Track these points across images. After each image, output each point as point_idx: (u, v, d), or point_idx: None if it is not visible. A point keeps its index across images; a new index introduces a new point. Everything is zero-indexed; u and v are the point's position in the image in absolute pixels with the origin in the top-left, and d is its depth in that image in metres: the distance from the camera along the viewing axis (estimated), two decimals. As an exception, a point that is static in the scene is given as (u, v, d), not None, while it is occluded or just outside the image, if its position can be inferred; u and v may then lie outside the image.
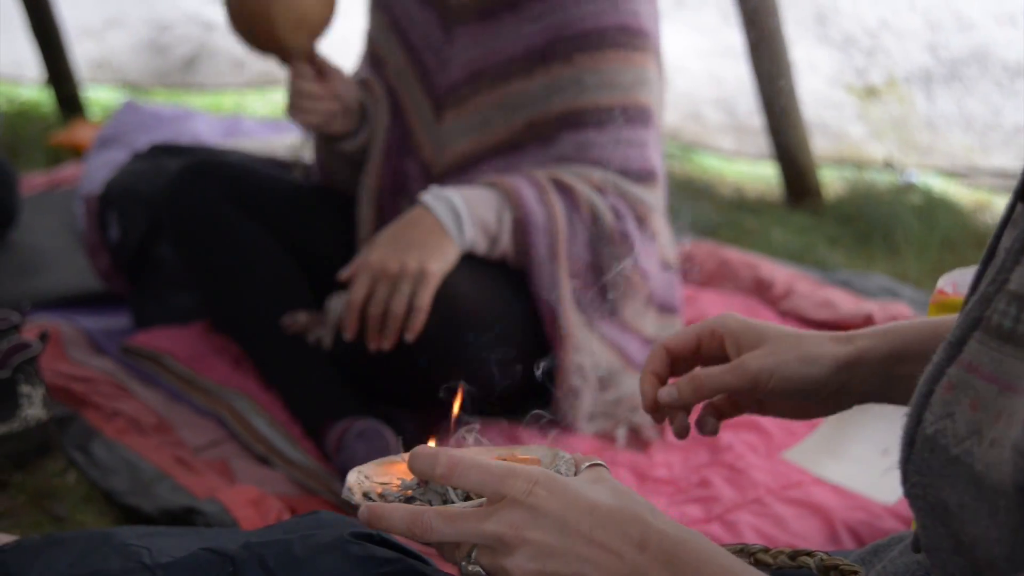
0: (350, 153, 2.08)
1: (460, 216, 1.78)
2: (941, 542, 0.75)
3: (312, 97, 1.94)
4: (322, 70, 1.96)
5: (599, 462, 0.83)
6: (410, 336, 1.76)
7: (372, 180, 2.06)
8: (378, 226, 2.02)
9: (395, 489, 0.88)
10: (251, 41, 1.95)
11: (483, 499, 0.80)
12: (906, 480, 0.78)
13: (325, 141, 2.10)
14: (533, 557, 0.77)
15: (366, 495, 0.88)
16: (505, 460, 0.86)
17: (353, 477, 0.89)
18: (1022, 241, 0.72)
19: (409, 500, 0.87)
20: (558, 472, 0.83)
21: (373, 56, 2.16)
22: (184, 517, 1.71)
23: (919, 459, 0.75)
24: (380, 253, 1.74)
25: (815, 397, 1.01)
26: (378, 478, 0.90)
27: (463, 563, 0.80)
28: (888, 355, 0.99)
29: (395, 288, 1.74)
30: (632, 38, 1.88)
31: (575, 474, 0.83)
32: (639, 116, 1.91)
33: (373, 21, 2.16)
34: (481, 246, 1.83)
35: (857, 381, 0.99)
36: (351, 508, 0.86)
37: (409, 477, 0.88)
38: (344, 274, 1.82)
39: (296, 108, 1.95)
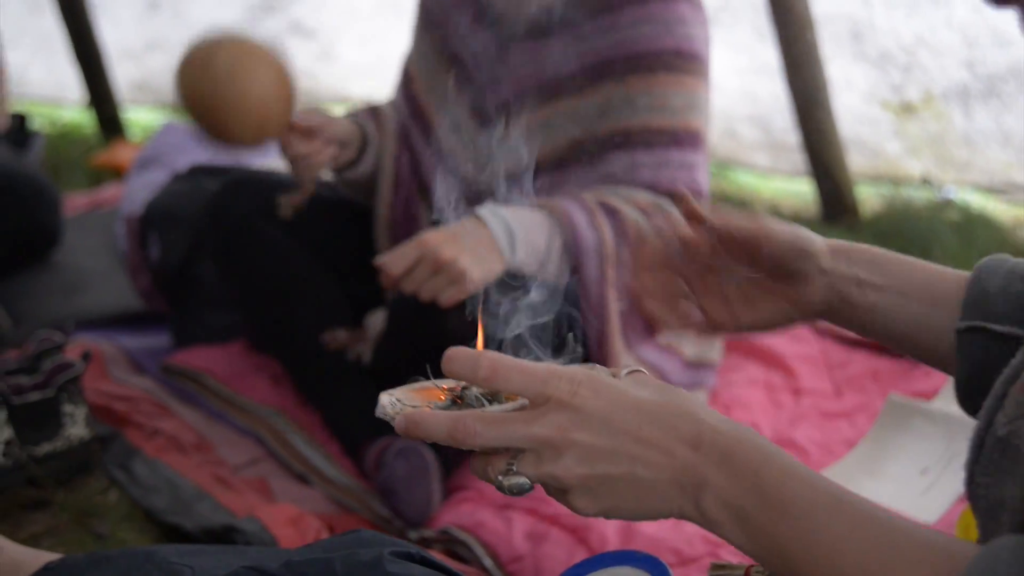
0: (357, 180, 2.10)
1: (514, 237, 1.78)
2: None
3: (307, 157, 1.95)
4: (307, 131, 1.95)
5: (639, 368, 0.81)
6: None
7: (384, 208, 2.07)
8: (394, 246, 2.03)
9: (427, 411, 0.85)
10: (218, 140, 1.96)
11: (523, 402, 0.77)
12: (971, 481, 0.76)
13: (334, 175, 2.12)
14: (582, 459, 0.74)
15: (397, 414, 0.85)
16: None
17: (386, 398, 0.86)
18: None
19: None
20: None
21: (406, 74, 2.17)
22: (224, 535, 1.72)
23: (987, 460, 0.74)
24: (439, 239, 1.74)
25: (803, 275, 1.01)
26: (410, 401, 0.87)
27: (500, 477, 0.77)
28: (870, 260, 1.01)
29: (434, 275, 1.73)
30: (685, 62, 1.88)
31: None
32: (689, 139, 1.91)
33: (416, 42, 2.17)
34: (529, 268, 1.83)
35: (836, 273, 1.00)
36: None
37: (442, 399, 0.86)
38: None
39: (297, 173, 1.97)
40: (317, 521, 1.76)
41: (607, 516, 0.77)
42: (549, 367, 0.77)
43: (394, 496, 1.80)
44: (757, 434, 0.76)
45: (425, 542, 1.75)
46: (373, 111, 2.13)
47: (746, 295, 1.05)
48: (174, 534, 1.78)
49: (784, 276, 1.03)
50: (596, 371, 0.81)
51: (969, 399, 0.99)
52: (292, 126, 1.93)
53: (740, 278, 1.06)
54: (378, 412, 0.86)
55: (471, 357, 0.77)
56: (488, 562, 1.69)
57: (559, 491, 0.77)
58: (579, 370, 0.76)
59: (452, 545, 1.74)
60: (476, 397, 0.83)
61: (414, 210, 2.10)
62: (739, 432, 0.75)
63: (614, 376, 0.80)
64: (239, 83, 1.87)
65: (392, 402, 0.86)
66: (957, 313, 0.97)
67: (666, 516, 0.76)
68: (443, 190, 2.08)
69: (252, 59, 1.90)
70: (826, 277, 1.01)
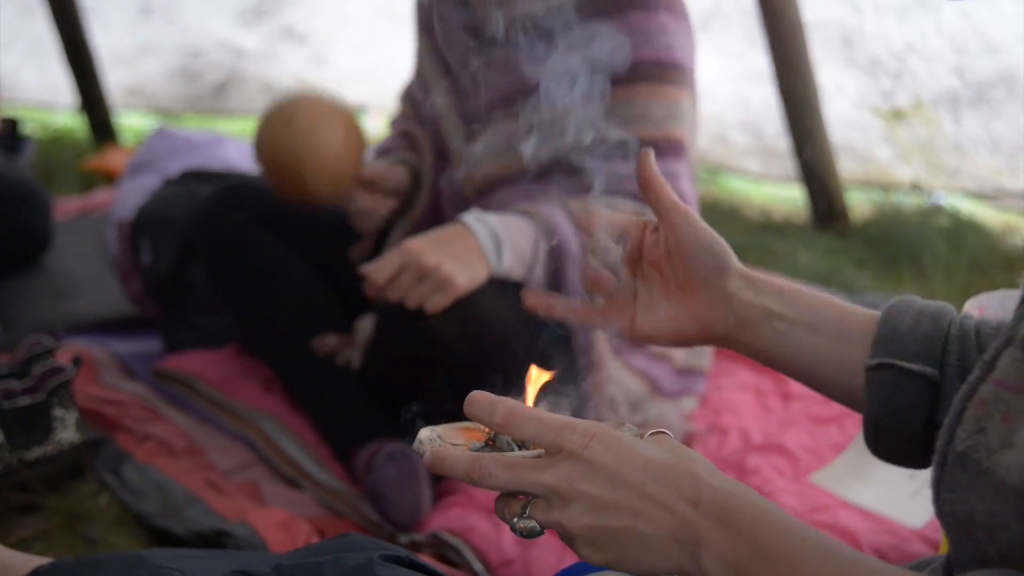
0: (413, 217, 2.13)
1: (500, 244, 1.78)
2: (968, 554, 0.76)
3: (372, 211, 2.05)
4: (371, 183, 2.04)
5: (665, 432, 0.83)
6: None
7: (416, 214, 2.09)
8: None
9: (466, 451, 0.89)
10: (299, 201, 2.05)
11: (541, 452, 0.81)
12: (937, 498, 0.78)
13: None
14: (587, 511, 0.78)
15: None
16: None
17: (426, 433, 0.90)
18: None
19: None
20: None
21: (421, 79, 2.18)
22: (214, 540, 1.72)
23: (951, 477, 0.76)
24: (421, 245, 1.75)
25: (710, 288, 1.02)
26: (449, 438, 0.90)
27: (515, 520, 0.81)
28: (782, 291, 1.01)
29: (419, 282, 1.74)
30: (665, 71, 1.88)
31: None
32: (671, 149, 1.91)
33: (420, 43, 2.18)
34: (516, 274, 1.83)
35: (743, 297, 1.01)
36: (418, 456, 0.86)
37: (479, 440, 0.89)
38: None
39: (363, 226, 2.07)
40: (307, 525, 1.76)
41: (612, 568, 0.80)
42: (565, 419, 0.80)
43: (383, 500, 1.80)
44: (753, 492, 0.79)
45: (415, 546, 1.75)
46: (409, 139, 2.16)
47: (649, 301, 1.06)
48: (165, 538, 1.78)
49: (690, 286, 1.03)
50: (623, 428, 0.85)
51: (879, 440, 1.00)
52: (359, 180, 2.03)
53: (649, 282, 1.07)
54: (415, 445, 0.89)
55: (489, 403, 0.82)
56: (478, 566, 1.69)
57: (566, 538, 0.80)
58: (593, 424, 0.80)
59: (442, 549, 1.74)
60: (508, 442, 0.87)
61: (437, 202, 2.13)
62: (736, 490, 0.78)
63: (640, 436, 0.83)
64: (319, 138, 1.97)
65: (432, 438, 0.90)
66: (866, 350, 0.98)
67: (666, 571, 0.79)
68: (448, 197, 2.10)
69: (330, 118, 2.00)
70: (731, 300, 1.02)
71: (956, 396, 0.79)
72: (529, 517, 0.81)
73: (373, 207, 2.05)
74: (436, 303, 1.73)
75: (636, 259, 1.08)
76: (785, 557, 0.74)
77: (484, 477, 0.80)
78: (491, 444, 0.88)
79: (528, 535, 0.81)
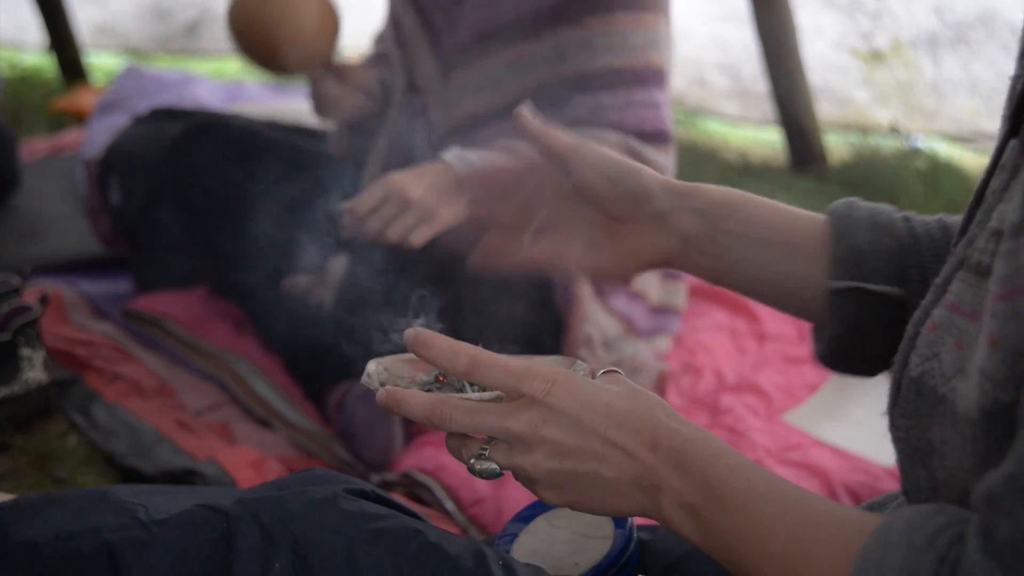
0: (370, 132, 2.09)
1: None
2: (919, 484, 0.75)
3: (335, 100, 2.01)
4: (340, 74, 2.02)
5: (615, 369, 0.84)
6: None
7: (384, 144, 2.05)
8: None
9: (412, 385, 0.89)
10: (266, 67, 2.03)
11: (499, 394, 0.81)
12: (892, 424, 0.78)
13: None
14: (549, 455, 0.78)
15: (383, 384, 0.88)
16: None
17: (373, 366, 0.89)
18: (1007, 181, 0.72)
19: None
20: None
21: (394, 20, 2.14)
22: (183, 478, 1.71)
23: (905, 402, 0.75)
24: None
25: (637, 218, 0.99)
26: (398, 372, 0.90)
27: (472, 461, 0.81)
28: (723, 202, 0.99)
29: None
30: None
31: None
32: (652, 77, 1.89)
33: None
34: None
35: (679, 216, 0.98)
36: (370, 392, 0.86)
37: (427, 372, 0.89)
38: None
39: (322, 112, 2.04)
40: (278, 464, 1.75)
41: (572, 508, 0.81)
42: (527, 364, 0.80)
43: (355, 440, 1.79)
44: (712, 436, 0.79)
45: (387, 485, 1.75)
46: (381, 57, 2.12)
47: (591, 239, 1.04)
48: (134, 478, 1.77)
49: (616, 219, 1.01)
50: (576, 368, 0.86)
51: (841, 358, 0.99)
52: (327, 65, 1.99)
53: (587, 221, 1.03)
54: (363, 379, 0.88)
55: (451, 349, 0.81)
56: (450, 505, 1.69)
57: (527, 481, 0.80)
58: (555, 369, 0.79)
59: (414, 488, 1.74)
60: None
61: (409, 141, 2.09)
62: (694, 433, 0.78)
63: (592, 373, 0.84)
64: (295, 7, 1.95)
65: (379, 371, 0.89)
66: (820, 263, 0.97)
67: (629, 514, 0.80)
68: (419, 135, 2.07)
69: None
70: (666, 220, 0.99)
71: (910, 321, 0.78)
72: (489, 459, 0.80)
73: (338, 96, 2.01)
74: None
75: (548, 197, 1.05)
76: (734, 497, 0.75)
77: (445, 422, 0.80)
78: (441, 379, 0.88)
79: (488, 476, 0.81)
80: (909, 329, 0.78)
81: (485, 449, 0.81)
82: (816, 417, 1.90)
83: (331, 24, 2.01)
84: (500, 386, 0.80)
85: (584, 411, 0.78)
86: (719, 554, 0.76)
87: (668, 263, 1.02)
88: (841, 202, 1.00)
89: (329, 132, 2.16)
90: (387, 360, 0.91)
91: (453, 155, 1.79)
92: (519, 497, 1.66)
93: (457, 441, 0.83)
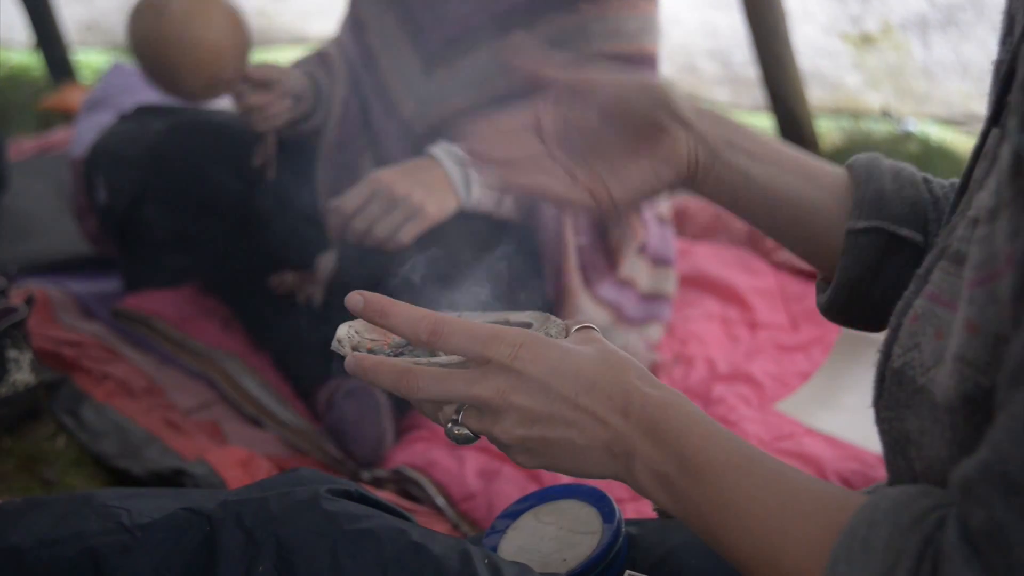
0: (310, 133, 2.04)
1: (469, 176, 1.75)
2: (902, 475, 0.75)
3: (261, 109, 1.90)
4: (261, 82, 1.90)
5: (590, 325, 0.83)
6: None
7: (327, 149, 2.02)
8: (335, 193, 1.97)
9: (385, 347, 0.88)
10: (174, 94, 1.94)
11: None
12: (877, 416, 0.77)
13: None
14: (520, 422, 0.77)
15: (355, 349, 0.86)
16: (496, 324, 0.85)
17: (344, 331, 0.87)
18: (988, 169, 0.71)
19: (398, 356, 0.85)
20: (548, 335, 0.82)
21: (355, 20, 2.11)
22: (173, 479, 1.70)
23: (888, 394, 0.75)
24: (391, 175, 1.71)
25: (663, 127, 0.97)
26: (369, 334, 0.89)
27: (449, 424, 0.80)
28: (739, 127, 0.99)
29: (388, 211, 1.70)
30: None
31: (565, 337, 0.82)
32: (645, 63, 1.88)
33: None
34: (486, 206, 1.80)
35: (703, 123, 0.97)
36: (339, 359, 0.85)
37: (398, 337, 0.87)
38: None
39: (252, 123, 1.92)
40: (267, 463, 1.74)
41: (547, 470, 0.80)
42: (492, 329, 0.78)
43: (345, 437, 1.78)
44: (686, 400, 0.78)
45: (377, 482, 1.74)
46: (322, 58, 2.07)
47: (615, 166, 1.00)
48: (123, 479, 1.76)
49: (644, 133, 0.98)
50: (549, 325, 0.84)
51: (850, 303, 0.98)
52: (246, 77, 1.89)
53: (604, 147, 1.01)
54: (333, 345, 0.86)
55: (412, 318, 0.79)
56: (440, 501, 1.68)
57: (500, 446, 0.80)
58: (521, 332, 0.78)
59: (405, 485, 1.73)
60: None
61: (358, 156, 2.06)
62: (668, 398, 0.77)
63: (567, 330, 0.82)
64: (193, 31, 1.84)
65: (350, 335, 0.87)
66: (838, 200, 0.96)
67: (601, 478, 0.79)
68: (391, 134, 2.05)
69: (207, 6, 1.87)
70: (691, 131, 0.97)
71: (893, 312, 0.77)
72: (463, 424, 0.79)
73: (264, 104, 1.90)
74: (407, 232, 1.70)
75: (561, 140, 1.02)
76: (710, 468, 0.74)
77: (413, 390, 0.78)
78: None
79: (463, 441, 0.80)
80: (892, 320, 0.77)
81: (459, 414, 0.80)
82: (809, 406, 1.89)
83: (238, 42, 1.90)
84: (466, 352, 0.78)
85: (552, 376, 0.76)
86: (694, 524, 0.75)
87: (696, 175, 0.99)
88: (863, 155, 0.99)
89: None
90: (358, 323, 0.89)
91: (439, 149, 1.77)
92: (510, 492, 1.66)
93: (432, 405, 0.82)
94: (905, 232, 0.94)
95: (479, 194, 1.77)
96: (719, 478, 0.73)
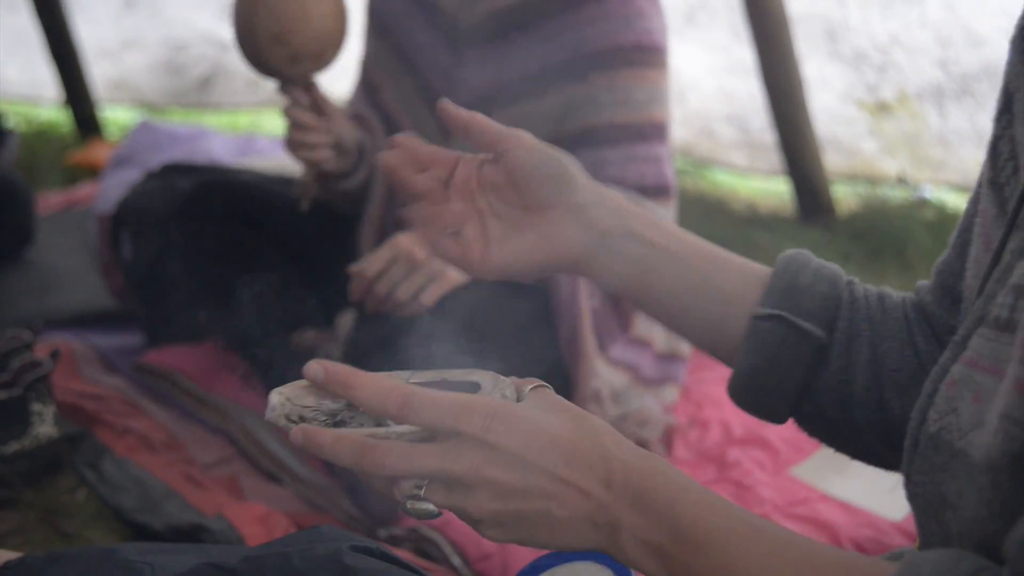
0: (346, 191, 2.04)
1: None
2: (934, 539, 0.75)
3: (308, 129, 1.86)
4: (319, 104, 1.87)
5: (542, 384, 0.80)
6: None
7: (376, 210, 2.05)
8: None
9: (321, 415, 0.82)
10: (251, 60, 1.85)
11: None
12: (908, 480, 0.78)
13: (322, 180, 2.00)
14: (494, 496, 0.73)
15: (288, 417, 0.80)
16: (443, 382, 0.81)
17: (276, 398, 0.81)
18: None
19: (338, 424, 0.81)
20: (504, 397, 0.78)
21: (367, 84, 2.14)
22: (192, 534, 1.72)
23: (922, 458, 0.75)
24: (412, 239, 1.72)
25: (555, 204, 0.96)
26: (301, 400, 0.82)
27: (408, 502, 0.75)
28: (645, 216, 0.97)
29: (410, 275, 1.72)
30: (646, 55, 1.88)
31: (518, 399, 0.78)
32: (653, 132, 1.91)
33: (370, 48, 2.13)
34: None
35: (598, 212, 0.96)
36: (277, 430, 0.78)
37: (334, 398, 0.81)
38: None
39: (294, 141, 1.88)
40: (285, 519, 1.75)
41: (520, 544, 0.77)
42: (462, 400, 0.74)
43: (361, 494, 1.79)
44: (670, 466, 0.76)
45: (394, 540, 1.75)
46: (359, 118, 2.07)
47: (501, 232, 0.99)
48: (142, 533, 1.77)
49: (534, 207, 0.97)
50: (500, 384, 0.80)
51: (748, 392, 0.98)
52: (308, 86, 1.83)
53: (496, 214, 0.99)
54: (268, 415, 0.80)
55: (379, 390, 0.74)
56: (456, 560, 1.68)
57: (468, 520, 0.76)
58: (492, 403, 0.74)
59: (421, 543, 1.73)
60: None
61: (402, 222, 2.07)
62: (650, 465, 0.75)
63: (519, 389, 0.79)
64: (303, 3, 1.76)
65: (282, 402, 0.81)
66: (745, 291, 0.96)
67: (581, 550, 0.76)
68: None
69: None
70: (584, 213, 0.96)
71: (927, 378, 0.78)
72: (425, 499, 0.74)
73: (312, 125, 1.84)
74: (428, 295, 1.71)
75: (468, 192, 1.00)
76: (711, 538, 0.72)
77: (378, 467, 0.73)
78: (351, 405, 0.80)
79: (424, 517, 0.75)
80: (927, 386, 0.78)
81: (420, 488, 0.74)
82: (823, 471, 1.90)
83: (339, 27, 1.81)
84: (436, 426, 0.73)
85: (528, 448, 0.73)
86: None
87: (580, 260, 0.98)
88: (794, 250, 1.00)
89: (296, 178, 1.99)
90: (287, 389, 0.82)
91: None
92: (526, 552, 1.66)
93: (386, 480, 0.76)
94: (807, 325, 0.93)
95: None
96: (723, 548, 0.72)
